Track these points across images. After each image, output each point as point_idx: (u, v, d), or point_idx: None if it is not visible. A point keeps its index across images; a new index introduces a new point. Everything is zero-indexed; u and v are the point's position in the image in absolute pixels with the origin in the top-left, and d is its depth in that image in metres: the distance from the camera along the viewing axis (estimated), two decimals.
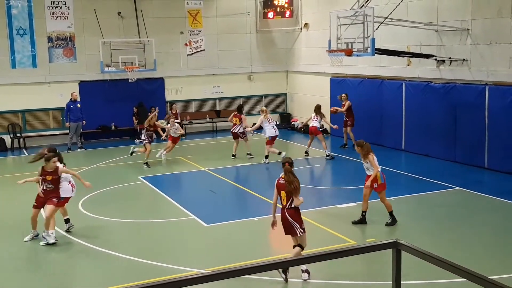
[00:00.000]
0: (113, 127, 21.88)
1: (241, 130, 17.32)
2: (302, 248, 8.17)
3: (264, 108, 17.71)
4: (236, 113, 17.64)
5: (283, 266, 3.62)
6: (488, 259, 8.94)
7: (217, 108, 23.71)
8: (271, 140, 16.54)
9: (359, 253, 3.83)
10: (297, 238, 8.21)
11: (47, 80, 20.79)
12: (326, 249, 8.47)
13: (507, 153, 14.33)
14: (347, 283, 8.20)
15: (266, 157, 16.55)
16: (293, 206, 8.18)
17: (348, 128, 18.51)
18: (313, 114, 17.34)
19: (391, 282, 3.79)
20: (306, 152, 17.39)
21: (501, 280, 3.15)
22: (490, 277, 3.22)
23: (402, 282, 3.79)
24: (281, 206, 8.35)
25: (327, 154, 16.92)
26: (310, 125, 17.48)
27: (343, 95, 18.83)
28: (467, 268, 3.32)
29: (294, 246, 8.30)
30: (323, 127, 21.65)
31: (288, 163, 8.44)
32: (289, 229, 8.23)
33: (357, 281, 8.25)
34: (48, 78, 20.80)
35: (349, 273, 8.37)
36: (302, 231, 8.14)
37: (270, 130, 16.59)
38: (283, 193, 8.27)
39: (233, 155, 17.35)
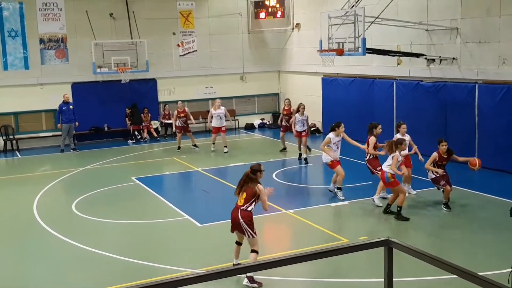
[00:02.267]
0: (106, 128, 21.87)
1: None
2: (257, 252, 8.18)
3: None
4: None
5: (276, 265, 3.70)
6: (479, 255, 9.06)
7: (210, 109, 23.72)
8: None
9: (351, 252, 3.91)
10: (247, 241, 8.27)
11: (40, 82, 20.76)
12: (319, 248, 8.56)
13: (497, 151, 14.47)
14: (340, 281, 8.28)
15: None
16: (249, 209, 8.22)
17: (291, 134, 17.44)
18: (299, 116, 16.61)
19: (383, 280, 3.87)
20: (305, 159, 16.52)
21: (491, 277, 3.24)
22: (480, 274, 3.31)
23: (394, 279, 3.87)
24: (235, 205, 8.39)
25: (305, 158, 16.47)
26: (296, 129, 16.61)
27: (286, 100, 18.39)
28: (457, 265, 3.40)
29: (239, 243, 8.46)
30: (314, 126, 21.79)
31: (251, 169, 8.46)
32: (236, 227, 8.30)
33: (351, 279, 8.34)
34: (40, 79, 20.76)
35: (344, 271, 8.46)
36: (253, 234, 8.19)
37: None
38: (244, 194, 8.31)
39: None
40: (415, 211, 11.50)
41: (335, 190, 12.48)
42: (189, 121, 19.10)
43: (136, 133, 21.60)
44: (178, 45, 22.60)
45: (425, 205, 12.00)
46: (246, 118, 24.14)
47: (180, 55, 22.68)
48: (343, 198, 12.31)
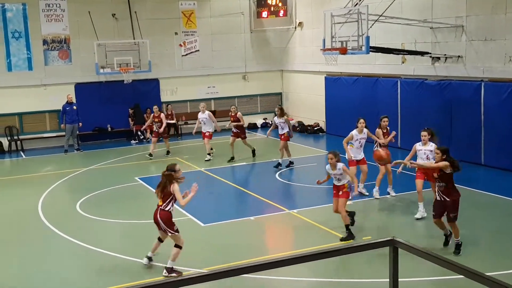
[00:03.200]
0: (109, 129, 21.86)
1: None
2: (180, 247, 8.50)
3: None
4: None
5: (280, 265, 3.65)
6: (485, 255, 8.98)
7: (212, 108, 23.68)
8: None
9: (356, 252, 3.86)
10: (170, 237, 8.57)
11: (43, 83, 20.77)
12: (323, 248, 8.51)
13: (503, 150, 14.38)
14: (346, 281, 8.23)
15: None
16: (166, 209, 8.47)
17: (243, 140, 17.08)
18: (277, 119, 15.86)
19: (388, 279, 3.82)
20: (291, 162, 16.05)
21: (498, 277, 3.17)
22: (486, 274, 3.25)
23: (399, 279, 3.82)
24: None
25: (290, 161, 15.95)
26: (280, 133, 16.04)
27: (233, 107, 17.51)
28: (463, 265, 3.34)
29: (160, 239, 8.80)
30: (318, 125, 21.72)
31: (166, 168, 8.75)
32: (157, 226, 8.65)
33: (355, 279, 8.28)
34: (44, 80, 20.77)
35: (348, 271, 8.40)
36: (173, 232, 8.48)
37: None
38: (162, 194, 8.56)
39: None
40: (416, 210, 11.42)
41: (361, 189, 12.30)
42: (164, 125, 17.96)
43: (139, 133, 21.58)
44: (180, 45, 22.58)
45: (427, 204, 11.91)
46: (248, 117, 24.07)
47: (182, 55, 22.66)
48: (366, 193, 12.49)
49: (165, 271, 8.49)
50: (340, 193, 9.94)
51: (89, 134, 21.45)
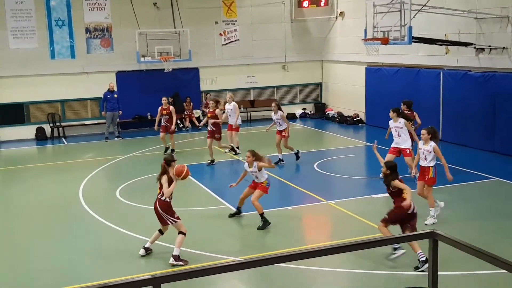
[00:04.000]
0: (149, 117, 22.10)
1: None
2: (184, 234, 8.63)
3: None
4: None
5: (317, 255, 3.63)
6: None
7: (251, 98, 23.73)
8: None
9: (396, 243, 3.81)
10: (173, 226, 8.72)
11: (85, 71, 21.15)
12: (361, 239, 8.44)
13: None
14: (383, 273, 8.14)
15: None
16: (163, 198, 8.65)
17: (218, 142, 15.94)
18: (273, 115, 15.12)
19: (427, 273, 3.76)
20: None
21: None
22: None
23: (439, 272, 3.75)
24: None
25: (281, 159, 15.20)
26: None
27: (211, 102, 16.05)
28: (506, 259, 3.26)
29: (161, 231, 8.92)
30: (357, 116, 21.51)
31: (164, 159, 8.97)
32: (160, 219, 8.75)
33: (395, 271, 8.18)
34: (86, 68, 21.16)
35: (387, 263, 8.31)
36: (174, 220, 8.64)
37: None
38: (160, 184, 8.82)
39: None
40: (460, 204, 11.21)
41: None
42: (172, 123, 16.53)
43: (178, 122, 21.76)
44: (221, 34, 22.63)
45: (469, 198, 11.67)
46: (287, 107, 24.00)
47: (222, 44, 22.72)
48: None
49: (172, 259, 8.55)
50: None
51: (129, 122, 21.77)
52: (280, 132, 15.15)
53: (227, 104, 16.70)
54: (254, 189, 10.33)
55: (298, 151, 15.42)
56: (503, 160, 14.81)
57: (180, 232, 8.65)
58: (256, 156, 10.21)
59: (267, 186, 10.26)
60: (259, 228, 10.05)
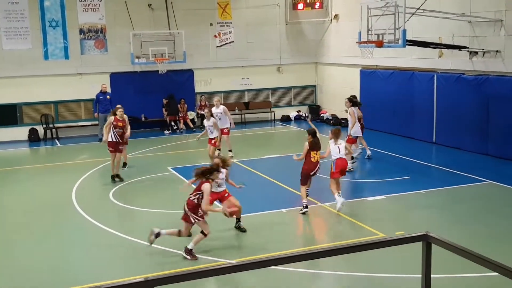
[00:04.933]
0: (143, 119, 22.09)
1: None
2: (205, 235, 8.82)
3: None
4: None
5: (311, 258, 3.62)
6: None
7: (246, 100, 23.73)
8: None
9: (389, 246, 3.80)
10: (197, 225, 8.86)
11: (79, 72, 21.10)
12: (355, 242, 8.44)
13: None
14: (376, 275, 8.15)
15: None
16: (192, 199, 8.79)
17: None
18: (206, 122, 14.97)
19: (420, 275, 3.75)
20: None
21: None
22: None
23: (432, 275, 3.75)
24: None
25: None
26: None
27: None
28: (499, 262, 3.26)
29: (180, 233, 8.99)
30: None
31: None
32: (185, 217, 8.89)
33: (387, 274, 8.19)
34: (79, 69, 21.10)
35: (379, 266, 8.31)
36: (197, 219, 8.77)
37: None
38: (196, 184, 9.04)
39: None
40: (453, 207, 11.24)
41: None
42: (125, 135, 14.32)
43: (173, 123, 21.76)
44: (215, 36, 22.64)
45: (462, 201, 11.70)
46: (282, 110, 24.03)
47: (217, 46, 22.73)
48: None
49: (184, 250, 8.77)
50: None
51: None
52: (211, 140, 14.89)
53: (214, 108, 16.10)
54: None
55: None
56: (496, 162, 14.86)
57: (202, 232, 8.83)
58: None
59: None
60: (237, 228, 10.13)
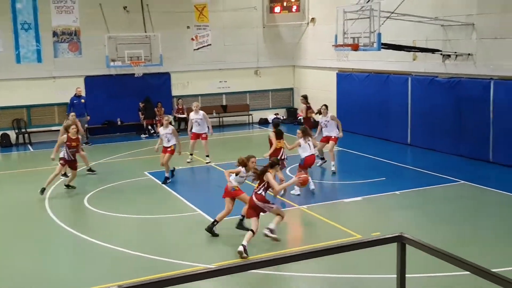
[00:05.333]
0: (119, 122, 21.92)
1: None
2: (282, 217, 9.50)
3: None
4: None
5: (288, 261, 3.64)
6: (493, 252, 8.93)
7: (224, 103, 23.72)
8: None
9: (364, 247, 3.84)
10: (271, 212, 9.45)
11: (52, 75, 20.83)
12: (331, 244, 8.48)
13: (511, 147, 14.29)
14: (352, 276, 8.21)
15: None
16: (259, 192, 9.35)
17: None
18: (162, 129, 14.32)
19: (395, 276, 3.80)
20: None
21: (505, 273, 3.15)
22: (493, 270, 3.23)
23: (407, 275, 3.80)
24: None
25: (168, 177, 14.14)
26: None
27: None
28: (471, 262, 3.32)
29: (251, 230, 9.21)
30: None
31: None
32: (255, 210, 9.29)
33: (363, 274, 8.26)
34: (53, 73, 20.83)
35: (355, 267, 8.38)
36: (270, 207, 9.39)
37: None
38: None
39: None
40: (427, 207, 11.39)
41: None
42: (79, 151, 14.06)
43: (149, 127, 21.63)
44: (192, 39, 22.60)
45: (436, 201, 11.87)
46: (260, 113, 24.07)
47: (194, 49, 22.69)
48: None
49: (268, 230, 9.39)
50: None
51: (98, 128, 21.51)
52: (166, 148, 14.06)
53: (193, 114, 15.94)
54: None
55: (172, 172, 14.34)
56: (469, 163, 15.10)
57: (279, 214, 9.48)
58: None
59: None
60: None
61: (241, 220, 10.16)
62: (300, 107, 16.02)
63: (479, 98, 15.03)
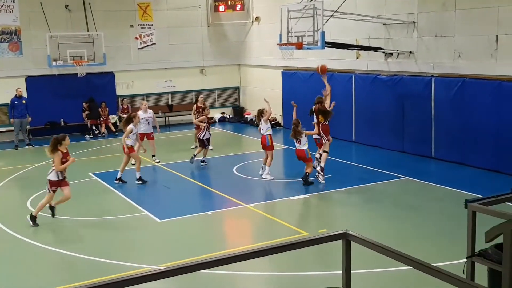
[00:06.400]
0: (62, 123, 21.41)
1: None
2: (327, 153, 12.48)
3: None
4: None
5: (236, 260, 3.67)
6: (435, 246, 9.23)
7: (170, 103, 23.53)
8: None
9: (310, 245, 3.92)
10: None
11: None
12: (278, 242, 8.58)
13: (452, 143, 14.79)
14: (300, 274, 8.33)
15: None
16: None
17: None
18: (142, 113, 14.98)
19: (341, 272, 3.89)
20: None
21: (446, 267, 3.28)
22: (434, 264, 3.36)
23: (352, 271, 3.90)
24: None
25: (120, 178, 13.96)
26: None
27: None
28: (412, 256, 3.45)
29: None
30: (275, 120, 21.81)
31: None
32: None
33: (310, 271, 8.38)
34: None
35: (302, 264, 8.50)
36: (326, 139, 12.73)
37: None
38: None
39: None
40: (372, 203, 11.66)
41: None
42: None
43: (94, 127, 21.23)
44: (136, 38, 22.31)
45: (381, 197, 12.16)
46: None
47: (138, 48, 22.40)
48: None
49: (319, 170, 12.39)
50: None
51: (41, 129, 20.93)
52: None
53: (141, 112, 15.53)
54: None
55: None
56: (412, 159, 15.54)
57: (324, 151, 12.49)
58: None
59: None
60: None
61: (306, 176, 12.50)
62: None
63: (421, 95, 15.49)
